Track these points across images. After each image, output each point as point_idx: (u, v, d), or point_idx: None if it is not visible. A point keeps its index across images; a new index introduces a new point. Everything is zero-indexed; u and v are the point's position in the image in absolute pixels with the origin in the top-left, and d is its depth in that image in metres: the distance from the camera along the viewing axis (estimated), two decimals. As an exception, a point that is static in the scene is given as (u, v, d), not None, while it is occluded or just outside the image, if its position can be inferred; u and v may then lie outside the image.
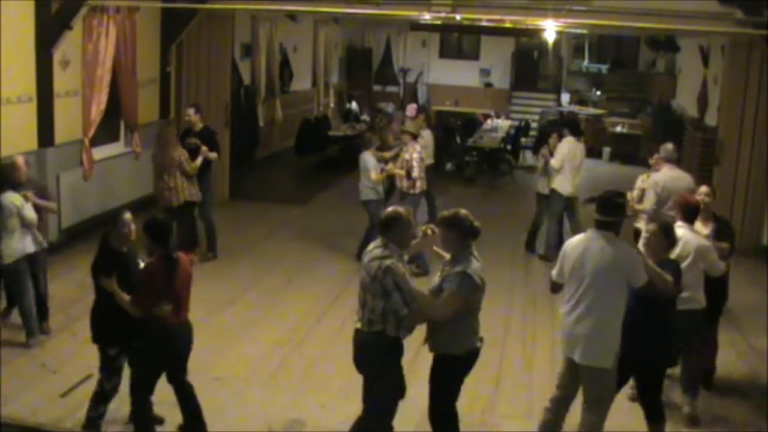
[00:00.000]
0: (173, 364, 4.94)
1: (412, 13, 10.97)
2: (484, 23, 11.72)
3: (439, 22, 12.79)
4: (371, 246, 4.58)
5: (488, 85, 21.93)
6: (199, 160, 8.36)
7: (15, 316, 6.74)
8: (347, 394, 5.82)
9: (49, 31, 8.34)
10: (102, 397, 5.01)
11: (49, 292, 6.76)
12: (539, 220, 9.80)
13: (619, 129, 18.10)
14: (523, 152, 16.48)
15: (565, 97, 21.20)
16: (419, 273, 8.04)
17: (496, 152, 15.05)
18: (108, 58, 9.14)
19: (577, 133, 9.49)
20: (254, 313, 7.43)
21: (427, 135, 10.77)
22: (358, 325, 4.56)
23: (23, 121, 8.24)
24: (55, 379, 5.79)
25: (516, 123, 17.58)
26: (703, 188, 6.36)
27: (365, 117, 17.28)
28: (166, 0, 10.21)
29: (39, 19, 8.24)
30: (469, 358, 4.59)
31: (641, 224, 7.33)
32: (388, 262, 4.36)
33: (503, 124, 17.43)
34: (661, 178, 7.54)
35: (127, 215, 4.95)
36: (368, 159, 8.70)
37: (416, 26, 19.02)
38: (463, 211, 4.56)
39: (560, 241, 9.30)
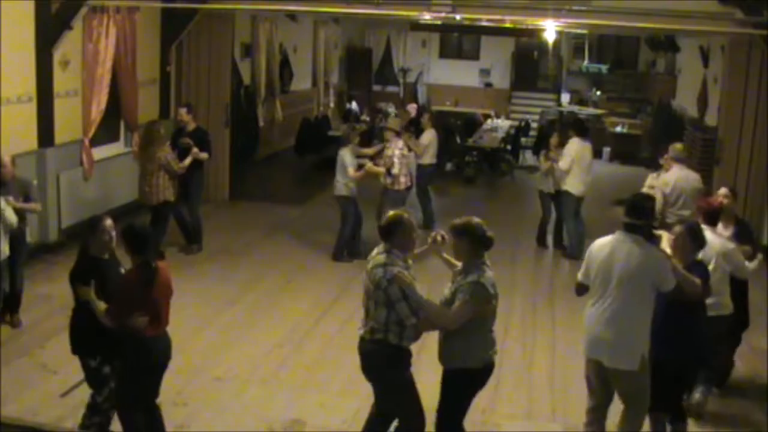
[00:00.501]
0: (146, 381, 4.65)
1: (412, 13, 10.97)
2: (484, 23, 11.72)
3: (439, 22, 12.78)
4: (374, 252, 4.44)
5: (488, 85, 21.94)
6: (187, 160, 8.43)
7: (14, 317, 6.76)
8: (347, 394, 5.83)
9: (49, 31, 8.35)
10: (95, 409, 4.82)
11: (49, 292, 6.76)
12: (547, 217, 9.93)
13: (619, 129, 18.10)
14: (523, 152, 16.47)
15: (565, 97, 21.21)
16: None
17: (496, 152, 15.05)
18: (108, 58, 9.14)
19: (583, 133, 9.58)
20: (254, 313, 7.43)
21: (431, 135, 10.77)
22: (362, 333, 4.45)
23: (23, 121, 8.25)
24: (55, 379, 5.79)
25: (516, 123, 17.59)
26: (723, 190, 6.28)
27: (365, 117, 17.28)
28: (166, 0, 10.21)
29: (39, 19, 8.25)
30: (485, 372, 4.45)
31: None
32: (394, 270, 4.22)
33: (503, 124, 17.44)
34: (672, 177, 7.70)
35: (108, 221, 4.75)
36: (345, 154, 8.69)
37: (416, 26, 19.02)
38: (475, 220, 4.41)
39: (582, 239, 9.43)
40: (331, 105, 18.18)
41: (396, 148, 8.75)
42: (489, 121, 17.80)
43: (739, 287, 5.70)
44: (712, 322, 5.16)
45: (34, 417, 5.28)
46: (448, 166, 15.22)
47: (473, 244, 4.35)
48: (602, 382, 4.79)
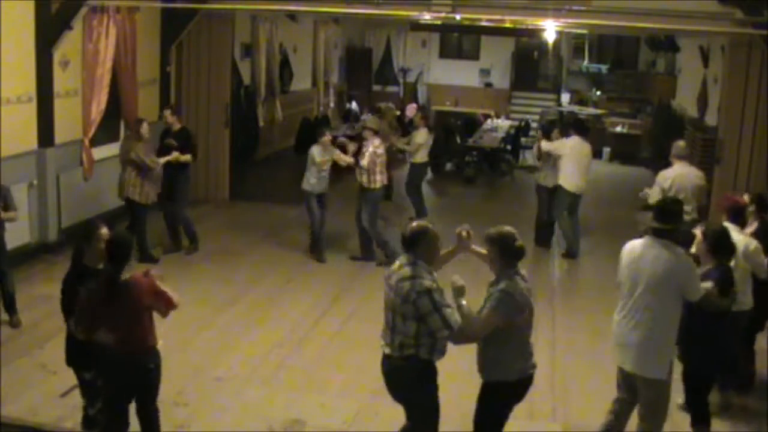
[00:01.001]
0: (119, 396, 4.46)
1: (412, 13, 10.97)
2: (484, 23, 11.71)
3: (439, 22, 12.78)
4: (396, 264, 4.27)
5: (488, 85, 21.93)
6: (164, 159, 8.44)
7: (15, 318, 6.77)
8: (347, 394, 5.83)
9: (49, 31, 8.35)
10: (89, 421, 4.75)
11: (48, 292, 6.75)
12: (543, 213, 9.92)
13: (619, 129, 18.10)
14: (523, 152, 16.48)
15: (565, 97, 21.22)
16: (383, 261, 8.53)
17: (496, 152, 15.05)
18: (108, 58, 9.14)
19: (582, 132, 9.62)
20: (254, 313, 7.43)
21: (423, 133, 10.82)
22: (387, 351, 4.26)
23: (23, 121, 8.24)
24: (55, 379, 5.78)
25: (516, 123, 17.59)
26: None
27: (365, 117, 17.27)
28: (166, 0, 10.21)
29: (39, 19, 8.25)
30: (521, 385, 4.33)
31: None
32: (427, 284, 4.07)
33: (503, 124, 17.44)
34: (671, 173, 7.87)
35: (103, 230, 4.53)
36: (313, 148, 8.83)
37: (416, 26, 19.02)
38: (507, 229, 4.31)
39: (577, 237, 9.45)
40: (331, 105, 18.18)
41: (371, 146, 8.75)
42: (489, 121, 17.81)
43: (761, 286, 5.62)
44: (733, 317, 5.10)
45: (34, 417, 5.28)
46: (448, 166, 15.23)
47: (503, 253, 4.26)
48: (630, 388, 4.75)
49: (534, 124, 18.06)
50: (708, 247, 4.97)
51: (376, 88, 21.49)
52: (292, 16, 14.67)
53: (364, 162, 8.64)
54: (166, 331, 4.86)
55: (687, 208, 7.54)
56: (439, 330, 4.08)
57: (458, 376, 5.12)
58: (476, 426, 4.43)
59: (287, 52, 15.82)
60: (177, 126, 8.95)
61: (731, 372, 5.40)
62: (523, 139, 16.80)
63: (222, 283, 8.11)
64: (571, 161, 9.33)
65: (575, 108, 19.63)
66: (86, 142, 9.15)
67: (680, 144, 8.13)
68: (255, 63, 13.87)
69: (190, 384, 5.81)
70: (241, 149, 13.10)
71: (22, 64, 8.11)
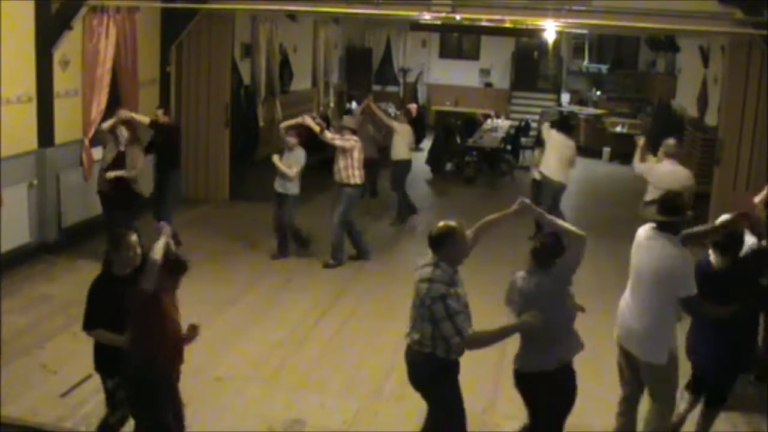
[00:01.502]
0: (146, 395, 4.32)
1: (412, 13, 10.97)
2: (484, 23, 11.72)
3: (439, 22, 12.79)
4: (421, 262, 4.25)
5: (488, 85, 21.93)
6: (112, 174, 8.05)
7: (15, 317, 6.76)
8: (347, 394, 5.83)
9: (49, 31, 8.35)
10: (105, 427, 4.70)
11: (48, 292, 6.76)
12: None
13: (619, 129, 18.10)
14: (523, 152, 16.48)
15: (565, 97, 21.23)
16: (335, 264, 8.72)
17: (496, 152, 15.06)
18: (108, 58, 9.14)
19: (565, 130, 10.04)
20: (254, 313, 7.43)
21: (404, 129, 10.95)
22: (409, 341, 4.31)
23: (23, 121, 8.24)
24: (55, 379, 5.79)
25: (516, 123, 17.59)
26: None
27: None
28: (166, 0, 10.21)
29: (39, 19, 8.24)
30: (560, 372, 4.34)
31: None
32: (442, 290, 4.04)
33: (503, 124, 17.45)
34: (659, 169, 8.00)
35: (133, 237, 4.38)
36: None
37: (416, 26, 19.02)
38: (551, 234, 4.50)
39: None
40: (331, 105, 18.19)
41: (342, 139, 8.80)
42: (489, 121, 17.81)
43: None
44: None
45: (34, 417, 5.28)
46: (448, 166, 15.23)
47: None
48: (632, 370, 4.87)
49: (534, 124, 18.07)
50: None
51: (376, 88, 21.46)
52: (292, 16, 14.68)
53: (329, 135, 8.76)
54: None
55: None
56: (451, 337, 4.09)
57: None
58: (534, 420, 4.54)
59: (287, 52, 15.81)
60: (164, 120, 8.84)
61: (745, 372, 5.43)
62: (523, 139, 16.81)
63: (222, 283, 8.11)
64: (554, 153, 9.79)
65: (575, 108, 19.64)
66: (86, 142, 9.15)
67: (670, 142, 8.16)
68: (255, 63, 13.88)
69: (190, 384, 5.78)
70: (241, 149, 13.09)
71: (22, 64, 8.11)
